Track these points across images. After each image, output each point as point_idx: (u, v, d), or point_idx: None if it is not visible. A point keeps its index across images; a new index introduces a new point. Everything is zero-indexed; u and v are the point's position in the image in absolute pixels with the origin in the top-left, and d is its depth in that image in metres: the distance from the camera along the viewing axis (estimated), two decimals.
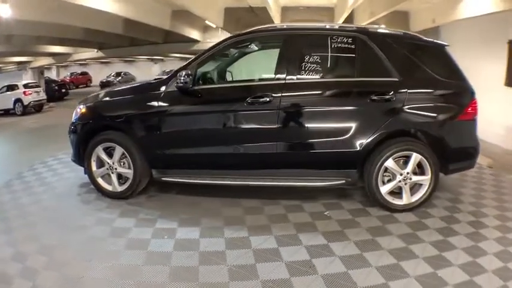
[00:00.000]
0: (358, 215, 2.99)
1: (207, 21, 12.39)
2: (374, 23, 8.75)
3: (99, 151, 3.30)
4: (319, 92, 2.95)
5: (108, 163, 3.29)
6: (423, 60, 2.91)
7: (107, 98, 3.47)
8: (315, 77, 2.91)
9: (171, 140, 3.11)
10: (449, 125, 2.89)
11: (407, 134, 2.94)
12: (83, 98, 3.69)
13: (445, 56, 2.96)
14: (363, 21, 9.50)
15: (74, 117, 3.49)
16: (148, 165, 3.23)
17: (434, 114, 2.87)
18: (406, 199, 2.96)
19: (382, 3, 8.25)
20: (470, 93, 2.92)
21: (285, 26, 3.27)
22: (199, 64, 3.11)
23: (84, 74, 31.37)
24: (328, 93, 2.95)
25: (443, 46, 3.00)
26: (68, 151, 5.15)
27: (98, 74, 30.66)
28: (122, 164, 3.30)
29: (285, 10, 10.83)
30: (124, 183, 3.33)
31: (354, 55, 2.91)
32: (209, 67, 3.25)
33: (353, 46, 2.92)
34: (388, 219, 2.89)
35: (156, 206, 3.21)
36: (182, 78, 2.92)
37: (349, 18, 10.09)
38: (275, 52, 3.19)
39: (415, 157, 2.87)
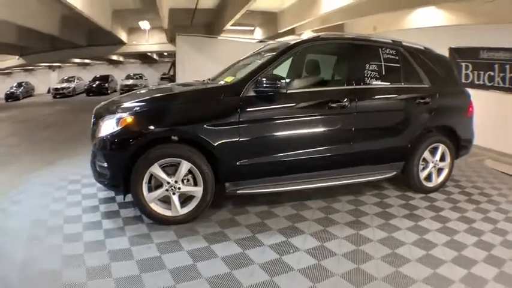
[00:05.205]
0: (406, 199, 3.52)
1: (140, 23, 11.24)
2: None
3: (156, 169, 2.69)
4: (384, 96, 3.35)
5: (169, 182, 2.72)
6: (439, 70, 3.70)
7: (160, 104, 2.82)
8: (377, 83, 3.29)
9: (257, 148, 2.85)
10: (461, 121, 3.78)
11: (436, 130, 3.67)
12: (99, 107, 2.89)
13: (450, 66, 3.86)
14: (310, 28, 10.08)
15: (106, 131, 2.69)
16: (219, 179, 2.86)
17: (454, 113, 3.71)
18: (435, 181, 3.69)
19: (339, 14, 8.65)
20: (468, 96, 3.91)
21: (349, 36, 3.49)
22: (274, 69, 2.98)
23: None
24: (390, 97, 3.39)
25: (447, 58, 3.88)
26: (38, 174, 4.08)
27: (1, 86, 26.16)
28: (185, 181, 2.79)
29: None
30: (185, 205, 2.83)
31: (398, 65, 3.44)
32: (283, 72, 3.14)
33: (397, 57, 3.44)
34: (429, 199, 3.54)
35: (232, 223, 2.88)
36: (271, 82, 2.76)
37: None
38: (334, 58, 3.40)
39: (442, 147, 3.64)
